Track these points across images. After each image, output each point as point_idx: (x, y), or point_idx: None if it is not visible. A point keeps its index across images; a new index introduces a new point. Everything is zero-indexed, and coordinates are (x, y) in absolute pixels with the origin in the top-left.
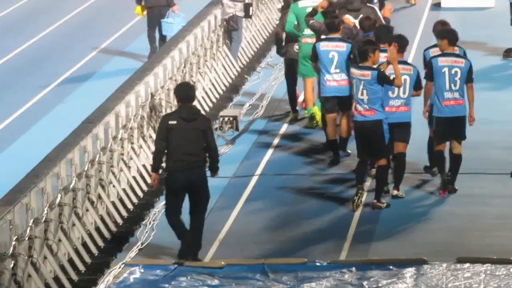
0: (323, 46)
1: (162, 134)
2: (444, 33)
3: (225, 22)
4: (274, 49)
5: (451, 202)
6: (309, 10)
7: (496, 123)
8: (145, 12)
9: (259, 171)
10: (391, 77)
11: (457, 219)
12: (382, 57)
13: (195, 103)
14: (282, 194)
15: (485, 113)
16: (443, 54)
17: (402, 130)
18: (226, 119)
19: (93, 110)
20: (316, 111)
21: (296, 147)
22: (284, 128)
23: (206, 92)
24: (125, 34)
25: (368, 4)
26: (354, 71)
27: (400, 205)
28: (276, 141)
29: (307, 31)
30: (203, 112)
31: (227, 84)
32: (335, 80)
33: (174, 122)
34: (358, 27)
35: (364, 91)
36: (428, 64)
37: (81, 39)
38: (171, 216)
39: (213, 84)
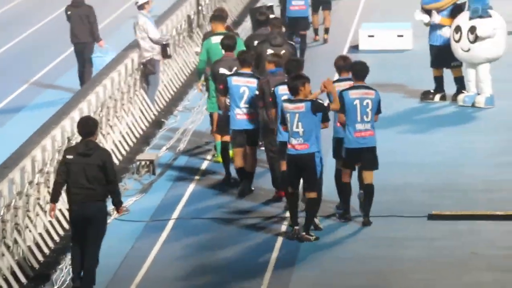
0: (234, 80)
1: (60, 168)
2: (351, 66)
3: (142, 66)
4: (191, 92)
5: (370, 245)
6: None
7: (415, 166)
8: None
9: (176, 214)
10: (326, 103)
11: (377, 261)
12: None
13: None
14: (199, 237)
15: (403, 156)
16: (354, 87)
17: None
18: (143, 163)
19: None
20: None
21: (212, 184)
22: (203, 168)
23: (123, 136)
24: (58, 66)
25: (289, 42)
26: (287, 105)
27: (320, 247)
28: (192, 185)
29: None
30: (109, 148)
31: (144, 127)
32: (244, 113)
33: (71, 156)
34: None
35: (300, 124)
36: (339, 97)
37: (13, 72)
38: (71, 248)
39: (130, 128)
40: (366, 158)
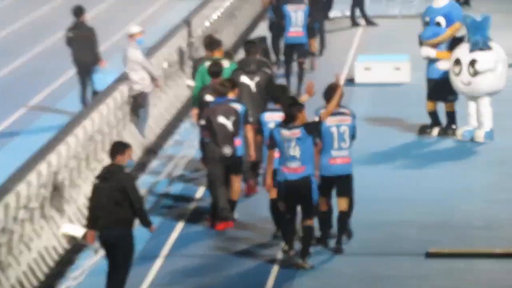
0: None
1: (92, 192)
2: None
3: (132, 99)
4: (183, 125)
5: (367, 283)
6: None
7: (410, 201)
8: None
9: (165, 251)
10: (317, 118)
11: None
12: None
13: None
14: (190, 275)
15: (398, 192)
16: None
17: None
18: None
19: None
20: None
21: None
22: (192, 206)
23: None
24: (58, 89)
25: (264, 69)
26: (284, 132)
27: (314, 281)
28: (180, 224)
29: None
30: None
31: (134, 161)
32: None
33: (96, 181)
34: (254, 90)
35: (297, 148)
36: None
37: (12, 95)
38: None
39: None
40: (343, 185)
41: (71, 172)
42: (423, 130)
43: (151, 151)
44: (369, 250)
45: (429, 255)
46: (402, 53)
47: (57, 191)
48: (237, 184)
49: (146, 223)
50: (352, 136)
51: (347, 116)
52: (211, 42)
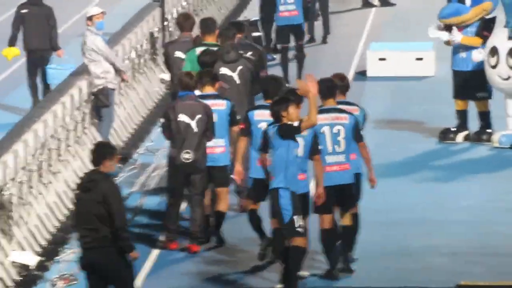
0: None
1: (74, 206)
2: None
3: (93, 97)
4: (154, 131)
5: None
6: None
7: (437, 224)
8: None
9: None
10: (297, 123)
11: None
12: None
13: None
14: None
15: (422, 212)
16: (321, 111)
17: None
18: None
19: None
20: None
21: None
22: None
23: (68, 186)
24: (5, 81)
25: (246, 55)
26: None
27: None
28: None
29: None
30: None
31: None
32: (211, 146)
33: (77, 191)
34: (237, 81)
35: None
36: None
37: None
38: None
39: (77, 175)
40: (342, 198)
41: (20, 187)
42: (446, 134)
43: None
44: (390, 282)
45: None
46: (425, 41)
47: (2, 210)
48: (224, 196)
49: (127, 247)
50: (353, 138)
51: (343, 114)
52: (206, 25)
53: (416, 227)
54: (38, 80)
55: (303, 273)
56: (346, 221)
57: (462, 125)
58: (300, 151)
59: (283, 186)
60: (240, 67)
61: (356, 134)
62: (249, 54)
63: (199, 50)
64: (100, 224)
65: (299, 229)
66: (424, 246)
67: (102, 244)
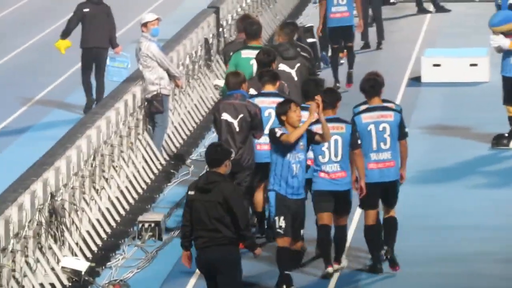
0: (259, 102)
1: (185, 208)
2: (362, 83)
3: (146, 103)
4: (208, 136)
5: None
6: (253, 62)
7: (492, 230)
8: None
9: None
10: (279, 134)
11: None
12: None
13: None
14: None
15: (476, 217)
16: (367, 110)
17: (343, 201)
18: (146, 225)
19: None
20: None
21: None
22: None
23: (121, 192)
24: (64, 83)
25: (303, 53)
26: None
27: None
28: None
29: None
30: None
31: (148, 181)
32: (266, 143)
33: (192, 192)
34: (295, 78)
35: None
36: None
37: (14, 88)
38: None
39: (130, 182)
40: (386, 195)
41: (73, 193)
42: (499, 140)
43: (171, 167)
44: (441, 287)
45: None
46: (480, 47)
47: (55, 216)
48: (259, 194)
49: (250, 246)
50: (401, 135)
51: (388, 112)
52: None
53: (469, 233)
54: (92, 78)
55: (340, 265)
56: (391, 213)
57: None
58: (340, 148)
59: (271, 188)
60: (298, 65)
61: (401, 131)
62: (305, 54)
63: (244, 52)
64: (219, 224)
65: (279, 230)
66: (477, 253)
67: (221, 242)
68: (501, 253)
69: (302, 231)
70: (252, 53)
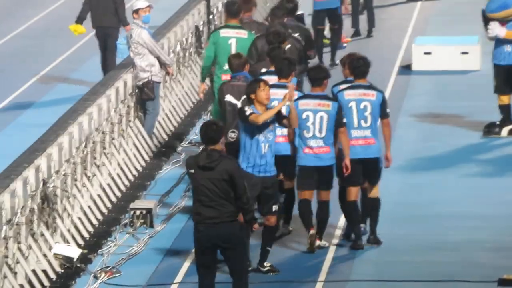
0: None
1: (191, 183)
2: (347, 61)
3: (137, 90)
4: (198, 124)
5: None
6: (232, 41)
7: (482, 218)
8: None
9: (178, 278)
10: (249, 113)
11: None
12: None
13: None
14: None
15: (466, 206)
16: (351, 87)
17: (325, 176)
18: (138, 212)
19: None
20: None
21: None
22: None
23: (112, 178)
24: (71, 57)
25: (294, 36)
26: None
27: None
28: None
29: (227, 66)
30: (228, 159)
31: (139, 168)
32: (282, 135)
33: (192, 170)
34: None
35: None
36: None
37: (20, 63)
38: (199, 281)
39: (121, 169)
40: (367, 171)
41: (65, 180)
42: (491, 129)
43: (162, 154)
44: (430, 275)
45: (502, 282)
46: (471, 35)
47: (46, 202)
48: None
49: (250, 219)
50: (382, 115)
51: (371, 91)
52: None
53: (459, 221)
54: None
55: (322, 242)
56: (373, 193)
57: (506, 119)
58: (324, 125)
59: (244, 167)
60: (288, 46)
61: (382, 111)
62: (296, 35)
63: (222, 31)
64: (225, 201)
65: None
66: (467, 241)
67: (229, 219)
68: (491, 242)
69: (274, 207)
70: (230, 32)
